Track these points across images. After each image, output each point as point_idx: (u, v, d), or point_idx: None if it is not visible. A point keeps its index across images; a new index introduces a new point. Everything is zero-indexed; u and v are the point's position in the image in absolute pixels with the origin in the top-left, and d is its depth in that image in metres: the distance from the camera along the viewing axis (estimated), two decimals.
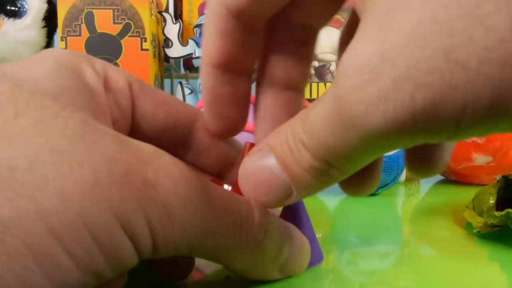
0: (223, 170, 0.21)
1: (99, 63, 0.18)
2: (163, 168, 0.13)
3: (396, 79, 0.10)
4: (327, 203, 0.35)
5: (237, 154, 0.21)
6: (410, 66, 0.10)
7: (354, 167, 0.13)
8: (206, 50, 0.16)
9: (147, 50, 0.44)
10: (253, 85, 0.18)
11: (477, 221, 0.25)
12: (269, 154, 0.15)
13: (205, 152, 0.20)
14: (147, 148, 0.14)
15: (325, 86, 0.51)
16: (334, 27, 0.51)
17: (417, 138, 0.11)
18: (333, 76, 0.51)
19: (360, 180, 0.16)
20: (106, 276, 0.12)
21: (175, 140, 0.20)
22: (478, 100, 0.10)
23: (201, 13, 0.50)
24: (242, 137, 0.32)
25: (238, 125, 0.18)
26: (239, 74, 0.17)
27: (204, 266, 0.20)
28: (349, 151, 0.12)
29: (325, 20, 0.17)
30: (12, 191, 0.11)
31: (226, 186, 0.18)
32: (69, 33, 0.43)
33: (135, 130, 0.19)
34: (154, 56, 0.46)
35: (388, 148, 0.12)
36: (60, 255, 0.11)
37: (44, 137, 0.12)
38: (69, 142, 0.12)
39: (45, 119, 0.12)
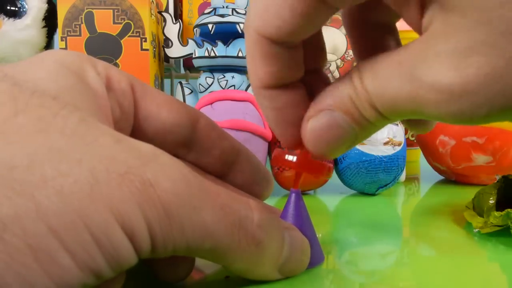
0: (225, 169, 0.21)
1: (101, 65, 0.18)
2: (162, 168, 0.13)
3: (475, 104, 0.13)
4: (327, 203, 0.35)
5: (238, 154, 0.21)
6: (487, 98, 0.13)
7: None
8: (256, 76, 0.17)
9: (147, 50, 0.44)
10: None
11: (477, 221, 0.25)
12: (335, 112, 0.16)
13: (207, 152, 0.20)
14: (147, 147, 0.14)
15: None
16: (334, 27, 0.51)
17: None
18: (333, 76, 0.51)
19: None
20: (106, 275, 0.12)
21: (177, 141, 0.20)
22: None
23: (201, 13, 0.49)
24: (241, 137, 0.32)
25: None
26: (292, 84, 0.17)
27: (204, 266, 0.20)
28: (411, 116, 0.15)
29: None
30: (12, 189, 0.11)
31: (290, 157, 0.19)
32: (69, 33, 0.43)
33: (137, 131, 0.19)
34: (154, 56, 0.46)
35: None
36: (60, 253, 0.11)
37: (43, 136, 0.12)
38: (68, 141, 0.12)
39: (44, 118, 0.12)
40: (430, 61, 0.13)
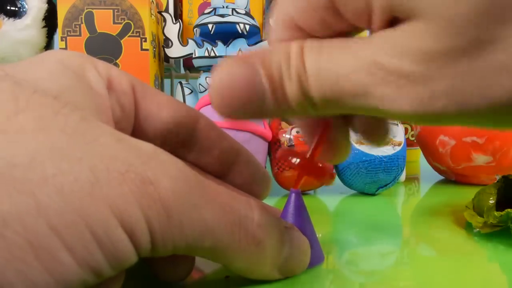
0: (225, 169, 0.21)
1: (103, 65, 0.18)
2: (163, 166, 0.14)
3: (433, 93, 0.12)
4: (327, 203, 0.35)
5: (237, 154, 0.21)
6: (446, 91, 0.12)
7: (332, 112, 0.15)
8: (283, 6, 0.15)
9: (147, 50, 0.44)
10: None
11: (477, 221, 0.25)
12: (258, 69, 0.14)
13: (207, 152, 0.20)
14: (147, 146, 0.14)
15: None
16: None
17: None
18: None
19: (331, 150, 0.18)
20: (105, 273, 0.12)
21: (177, 141, 0.20)
22: None
23: (201, 13, 0.49)
24: (241, 137, 0.32)
25: None
26: None
27: (204, 266, 0.20)
28: (345, 108, 0.14)
29: None
30: (13, 187, 0.11)
31: (294, 159, 0.19)
32: (69, 33, 0.43)
33: (138, 131, 0.19)
34: (154, 56, 0.46)
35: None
36: (60, 251, 0.11)
37: (44, 135, 0.12)
38: (68, 140, 0.12)
39: (45, 116, 0.13)
40: (393, 51, 0.12)
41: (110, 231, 0.12)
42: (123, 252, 0.13)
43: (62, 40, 0.43)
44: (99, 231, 0.12)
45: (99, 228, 0.12)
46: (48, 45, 0.50)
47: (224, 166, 0.21)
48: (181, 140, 0.20)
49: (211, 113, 0.33)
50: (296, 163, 0.19)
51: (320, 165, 0.19)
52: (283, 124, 0.35)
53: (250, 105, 0.15)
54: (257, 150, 0.33)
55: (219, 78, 0.15)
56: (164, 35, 0.47)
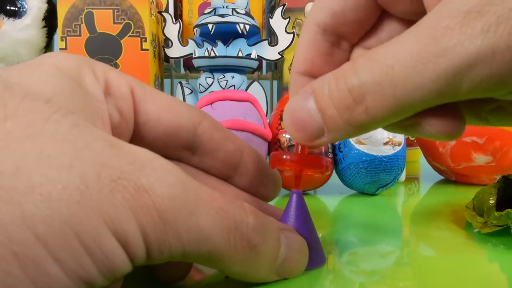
0: (229, 171, 0.21)
1: (101, 68, 0.17)
2: (157, 173, 0.13)
3: (500, 16, 0.12)
4: (327, 203, 0.35)
5: (243, 156, 0.21)
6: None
7: (389, 117, 0.14)
8: (296, 59, 0.19)
9: (147, 50, 0.44)
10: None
11: (477, 221, 0.25)
12: (310, 96, 0.16)
13: (211, 154, 0.20)
14: (141, 152, 0.14)
15: None
16: None
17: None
18: None
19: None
20: (98, 284, 0.12)
21: (179, 144, 0.19)
22: None
23: (201, 13, 0.49)
24: (241, 137, 0.32)
25: None
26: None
27: (204, 266, 0.20)
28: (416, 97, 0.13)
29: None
30: None
31: (288, 156, 0.19)
32: (69, 33, 0.43)
33: (138, 135, 0.19)
34: (154, 56, 0.46)
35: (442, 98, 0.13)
36: (47, 262, 0.11)
37: (31, 142, 0.12)
38: (58, 147, 0.12)
39: (34, 123, 0.12)
40: (452, 32, 0.13)
41: (101, 241, 0.12)
42: (116, 262, 0.12)
43: (62, 40, 0.43)
44: (89, 240, 0.12)
45: (89, 238, 0.12)
46: (48, 45, 0.50)
47: (229, 168, 0.21)
48: (183, 144, 0.20)
49: (211, 113, 0.33)
50: (290, 159, 0.19)
51: (314, 156, 0.19)
52: (283, 124, 0.35)
53: (311, 131, 0.16)
54: (257, 150, 0.33)
55: (286, 110, 0.17)
56: (164, 35, 0.47)
